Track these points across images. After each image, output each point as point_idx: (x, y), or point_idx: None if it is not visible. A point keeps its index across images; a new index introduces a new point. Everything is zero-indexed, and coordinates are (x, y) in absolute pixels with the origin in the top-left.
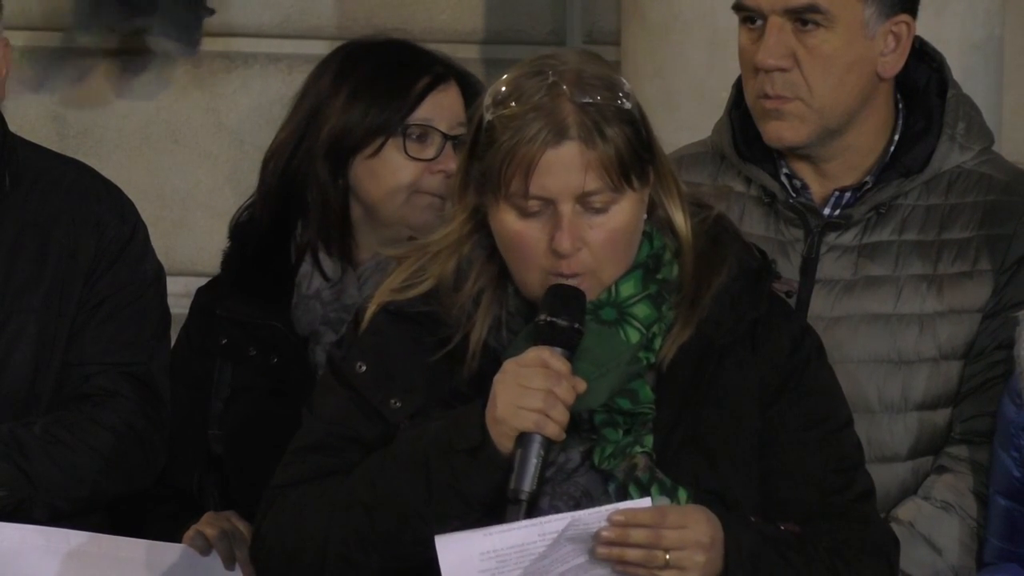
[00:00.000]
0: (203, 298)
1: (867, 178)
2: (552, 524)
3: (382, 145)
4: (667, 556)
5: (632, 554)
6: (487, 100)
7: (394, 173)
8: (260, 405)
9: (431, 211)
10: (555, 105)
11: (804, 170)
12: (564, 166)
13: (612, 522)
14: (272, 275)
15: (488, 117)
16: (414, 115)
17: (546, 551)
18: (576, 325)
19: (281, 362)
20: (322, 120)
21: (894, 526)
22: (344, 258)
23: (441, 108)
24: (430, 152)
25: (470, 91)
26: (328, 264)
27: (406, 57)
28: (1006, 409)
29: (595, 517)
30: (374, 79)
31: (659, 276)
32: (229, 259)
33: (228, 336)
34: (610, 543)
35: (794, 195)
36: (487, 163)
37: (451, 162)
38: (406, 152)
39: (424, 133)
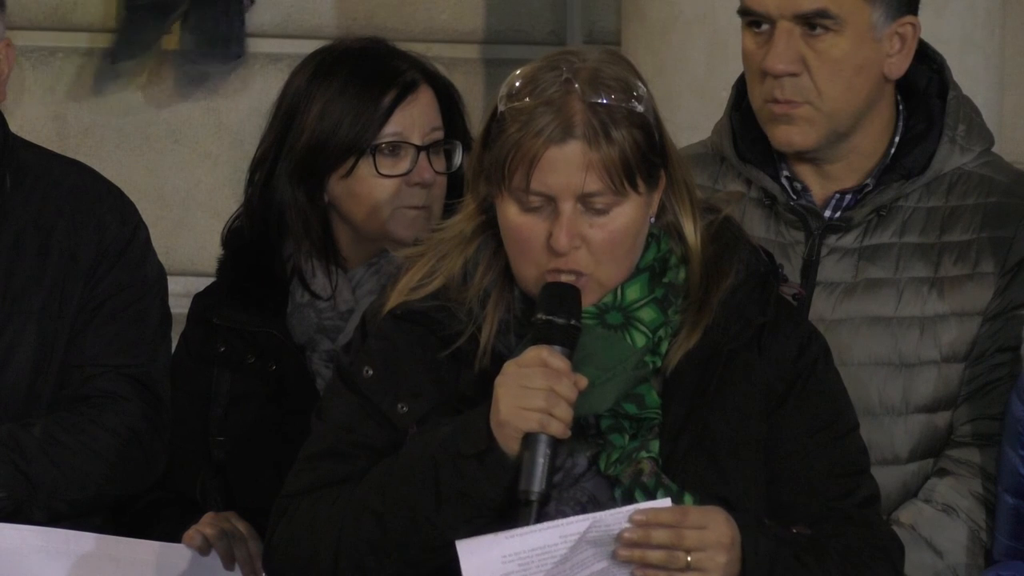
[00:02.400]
0: (200, 305)
1: (867, 180)
2: (573, 526)
3: (354, 165)
4: (688, 557)
5: (654, 556)
6: (502, 91)
7: (371, 192)
8: (260, 412)
9: (417, 224)
10: (565, 102)
11: (805, 172)
12: (566, 164)
13: (634, 521)
14: (267, 283)
15: (501, 108)
16: (383, 132)
17: (568, 554)
18: (573, 322)
19: (279, 369)
20: (295, 136)
21: (895, 529)
22: (334, 270)
23: (411, 119)
24: (404, 166)
25: (443, 92)
26: (317, 281)
27: (373, 68)
28: (1014, 407)
29: (616, 518)
30: (342, 94)
31: (665, 280)
32: (224, 267)
33: (226, 344)
34: (632, 544)
35: (794, 197)
36: (495, 154)
37: (427, 172)
38: (378, 171)
39: (396, 148)
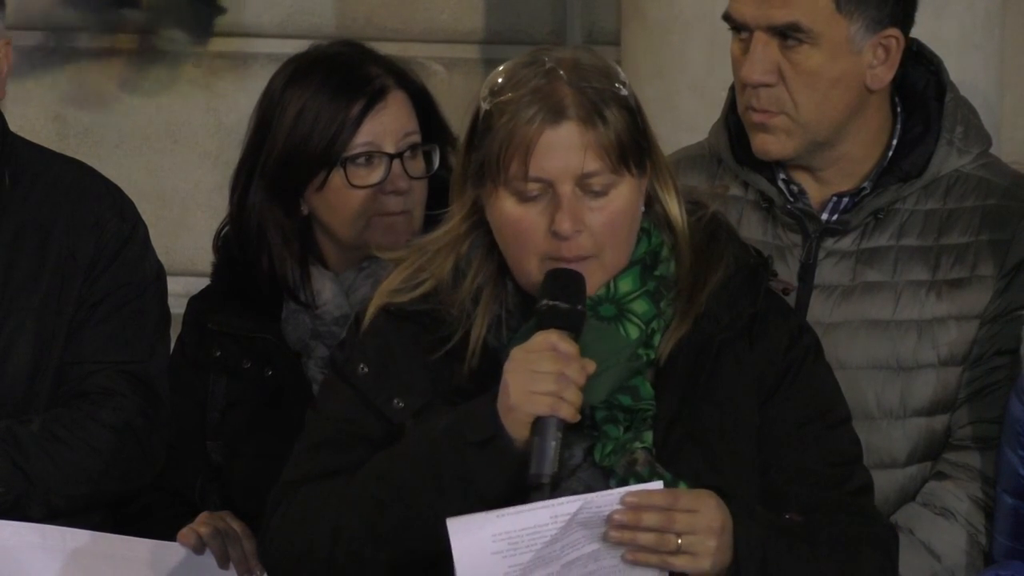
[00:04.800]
0: (195, 309)
1: (865, 183)
2: (564, 507)
3: (327, 177)
4: (679, 541)
5: (644, 538)
6: (483, 91)
7: (346, 203)
8: (256, 417)
9: (396, 231)
10: (552, 88)
11: (801, 176)
12: (564, 146)
13: (625, 503)
14: (262, 288)
15: (485, 107)
16: (354, 143)
17: (558, 534)
18: (579, 307)
19: (275, 374)
20: (269, 148)
21: None
22: (317, 276)
23: (382, 127)
24: (377, 176)
25: (417, 95)
26: (301, 292)
27: (342, 78)
28: (1013, 408)
29: (607, 500)
30: (312, 106)
31: (657, 272)
32: (218, 271)
33: (221, 348)
34: (622, 526)
35: (792, 200)
36: (485, 151)
37: (401, 181)
38: (350, 183)
39: (368, 158)
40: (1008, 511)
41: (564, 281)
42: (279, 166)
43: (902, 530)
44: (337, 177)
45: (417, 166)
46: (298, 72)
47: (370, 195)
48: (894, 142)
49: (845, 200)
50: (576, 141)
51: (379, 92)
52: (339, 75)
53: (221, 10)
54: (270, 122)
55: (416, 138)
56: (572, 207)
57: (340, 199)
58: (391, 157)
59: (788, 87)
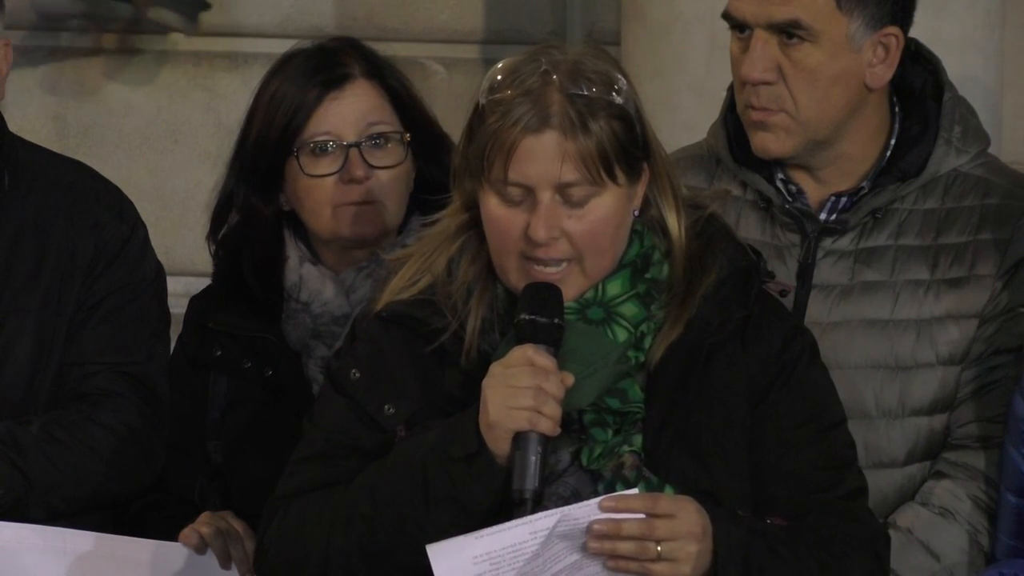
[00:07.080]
0: (196, 309)
1: (863, 183)
2: (542, 521)
3: (284, 167)
4: (659, 548)
5: (624, 547)
6: (484, 84)
7: (307, 192)
8: (257, 416)
9: (363, 221)
10: (543, 93)
11: (799, 176)
12: (543, 154)
13: (603, 508)
14: (262, 288)
15: (482, 101)
16: (309, 131)
17: (538, 550)
18: (556, 320)
19: (276, 374)
20: (247, 141)
21: (892, 532)
22: (314, 279)
23: (338, 116)
24: (332, 165)
25: (393, 87)
26: (303, 286)
27: (312, 66)
28: (1017, 407)
29: (584, 511)
30: (280, 93)
31: (648, 275)
32: (218, 271)
33: (222, 348)
34: (602, 536)
35: (790, 200)
36: (475, 146)
37: (358, 169)
38: (304, 171)
39: (321, 147)
40: (1011, 510)
41: (542, 295)
42: (252, 155)
43: (901, 530)
44: (292, 167)
45: (385, 156)
46: (282, 64)
47: (329, 185)
48: (892, 142)
49: (843, 200)
50: (555, 151)
51: (338, 79)
52: (310, 64)
53: (205, 5)
54: (253, 113)
55: (384, 128)
56: (548, 214)
57: (301, 189)
58: (348, 146)
59: (788, 85)
